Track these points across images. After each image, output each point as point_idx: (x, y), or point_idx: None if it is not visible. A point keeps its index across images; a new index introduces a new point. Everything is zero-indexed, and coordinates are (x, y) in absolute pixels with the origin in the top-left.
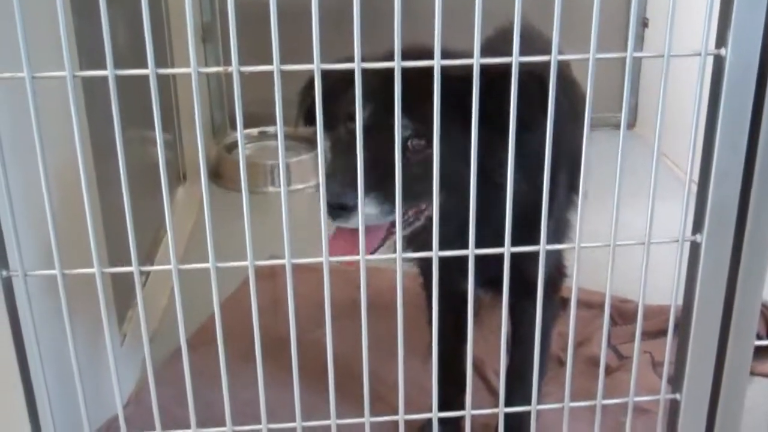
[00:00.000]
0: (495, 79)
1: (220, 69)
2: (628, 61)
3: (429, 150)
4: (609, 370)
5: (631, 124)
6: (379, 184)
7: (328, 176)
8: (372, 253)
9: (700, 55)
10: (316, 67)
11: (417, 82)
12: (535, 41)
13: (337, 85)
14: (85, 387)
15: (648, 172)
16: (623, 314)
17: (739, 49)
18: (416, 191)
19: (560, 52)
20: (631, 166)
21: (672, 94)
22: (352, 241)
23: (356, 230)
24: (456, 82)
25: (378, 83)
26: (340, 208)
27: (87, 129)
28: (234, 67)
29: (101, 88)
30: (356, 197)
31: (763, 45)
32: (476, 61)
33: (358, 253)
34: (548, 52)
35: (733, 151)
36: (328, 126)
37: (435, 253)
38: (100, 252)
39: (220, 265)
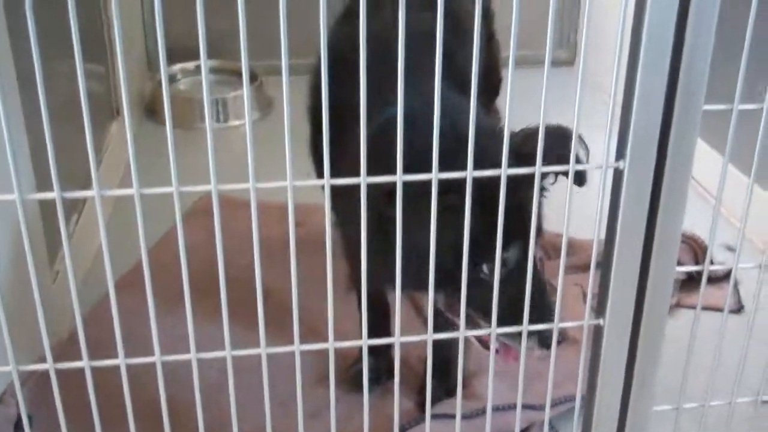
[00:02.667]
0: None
1: None
2: None
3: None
4: None
5: (571, 61)
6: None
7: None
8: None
9: None
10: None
11: None
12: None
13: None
14: (17, 324)
15: (586, 107)
16: (557, 248)
17: None
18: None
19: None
20: (568, 101)
21: (609, 30)
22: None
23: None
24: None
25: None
26: None
27: (11, 60)
28: None
29: (25, 16)
30: None
31: None
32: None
33: None
34: None
35: (656, 75)
36: None
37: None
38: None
39: (144, 191)
